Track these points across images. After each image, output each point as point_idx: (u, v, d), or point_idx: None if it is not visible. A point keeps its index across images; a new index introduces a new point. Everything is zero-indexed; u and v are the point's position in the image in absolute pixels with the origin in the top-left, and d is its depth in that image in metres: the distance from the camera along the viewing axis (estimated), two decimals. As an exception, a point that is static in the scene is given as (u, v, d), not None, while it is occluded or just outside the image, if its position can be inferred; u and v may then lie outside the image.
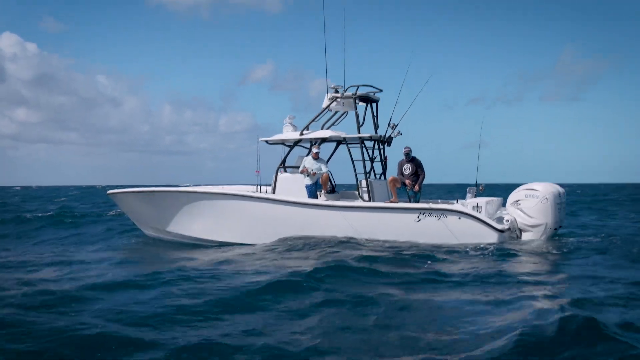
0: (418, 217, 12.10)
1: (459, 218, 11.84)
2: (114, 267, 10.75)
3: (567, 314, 5.95)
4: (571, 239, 12.34)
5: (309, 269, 9.16)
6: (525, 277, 8.73)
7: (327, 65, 13.96)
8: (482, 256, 10.72)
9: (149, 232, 15.67)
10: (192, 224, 14.31)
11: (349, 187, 14.92)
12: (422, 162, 13.11)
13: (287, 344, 5.50)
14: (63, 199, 44.66)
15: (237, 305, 7.03)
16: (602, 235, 13.43)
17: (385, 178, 14.51)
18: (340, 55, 14.40)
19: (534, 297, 7.26)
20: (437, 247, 11.54)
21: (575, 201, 34.10)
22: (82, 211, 26.46)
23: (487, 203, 12.25)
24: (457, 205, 12.10)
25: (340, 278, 8.76)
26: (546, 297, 7.32)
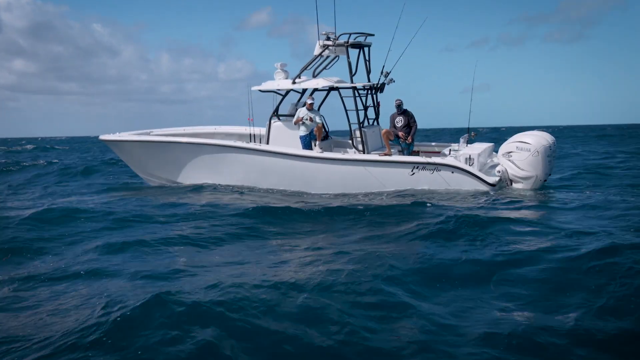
0: (412, 170, 12.34)
1: (452, 172, 12.10)
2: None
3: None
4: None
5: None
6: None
7: (317, 12, 13.55)
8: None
9: (145, 177, 15.88)
10: (188, 173, 14.52)
11: (343, 133, 14.99)
12: (413, 113, 13.17)
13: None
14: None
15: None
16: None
17: (378, 124, 14.59)
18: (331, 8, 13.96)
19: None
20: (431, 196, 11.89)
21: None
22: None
23: (479, 154, 12.46)
24: (449, 159, 12.31)
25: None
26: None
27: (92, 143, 57.25)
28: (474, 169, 12.08)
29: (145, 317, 5.15)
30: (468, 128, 13.90)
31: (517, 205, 10.69)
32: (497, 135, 33.71)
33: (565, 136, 45.65)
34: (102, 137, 15.99)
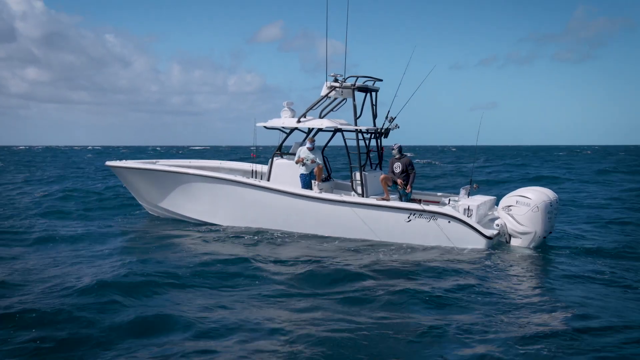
0: (409, 217, 12.13)
1: (449, 222, 11.86)
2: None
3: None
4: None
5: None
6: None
7: (327, 53, 13.66)
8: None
9: (146, 206, 15.94)
10: (188, 204, 14.53)
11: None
12: (412, 160, 13.09)
13: None
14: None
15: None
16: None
17: (381, 169, 14.49)
18: (343, 27, 14.09)
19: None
20: (425, 249, 11.71)
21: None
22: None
23: (478, 206, 12.22)
24: (447, 209, 12.08)
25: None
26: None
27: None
28: (471, 220, 11.83)
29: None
30: (470, 180, 13.71)
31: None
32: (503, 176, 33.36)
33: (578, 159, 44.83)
34: (108, 163, 16.16)
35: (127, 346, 6.30)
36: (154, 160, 16.67)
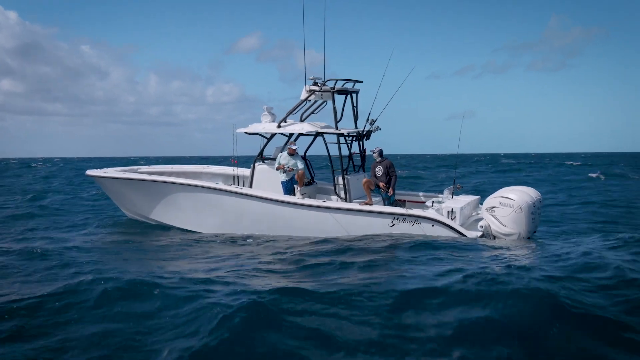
0: (392, 222, 12.03)
1: (433, 225, 11.77)
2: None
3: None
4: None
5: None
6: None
7: (305, 60, 13.44)
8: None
9: (129, 214, 15.74)
10: (172, 213, 14.34)
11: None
12: (393, 162, 12.94)
13: None
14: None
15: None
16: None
17: (364, 171, 14.36)
18: (321, 37, 13.86)
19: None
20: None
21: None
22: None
23: (462, 208, 12.14)
24: (430, 212, 11.99)
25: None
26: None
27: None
28: (454, 223, 11.74)
29: None
30: (454, 180, 13.62)
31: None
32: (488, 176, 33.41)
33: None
34: (89, 172, 15.93)
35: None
36: (135, 168, 16.48)
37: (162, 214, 14.55)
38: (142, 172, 15.81)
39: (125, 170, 15.68)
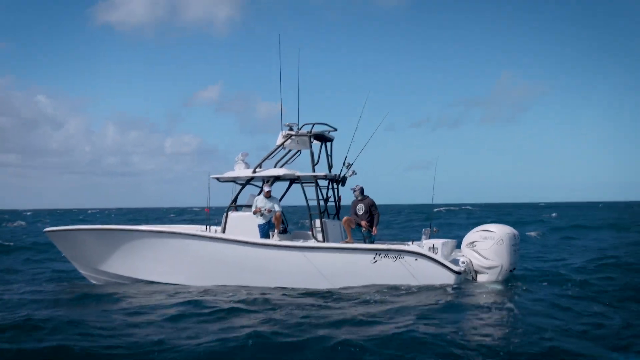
0: (374, 258, 11.81)
1: (416, 259, 11.62)
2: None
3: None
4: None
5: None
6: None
7: (282, 103, 13.69)
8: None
9: (87, 273, 14.71)
10: (139, 265, 13.55)
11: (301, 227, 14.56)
12: (374, 200, 12.90)
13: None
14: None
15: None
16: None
17: (339, 218, 14.24)
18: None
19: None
20: (394, 289, 11.32)
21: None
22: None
23: (442, 244, 12.11)
24: (413, 246, 11.89)
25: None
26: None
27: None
28: (438, 256, 11.64)
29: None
30: (430, 223, 13.67)
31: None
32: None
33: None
34: (47, 230, 15.08)
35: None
36: (90, 226, 15.69)
37: (133, 268, 13.70)
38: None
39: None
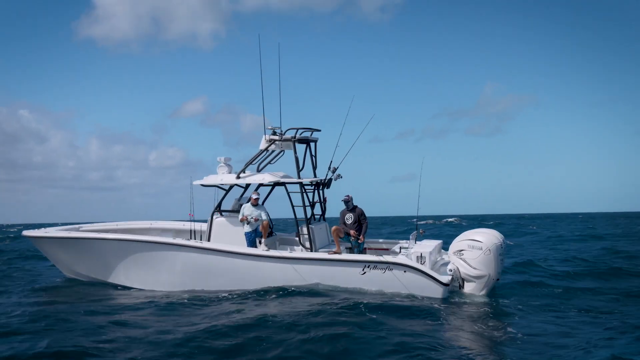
0: (363, 269, 11.84)
1: (404, 272, 11.68)
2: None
3: None
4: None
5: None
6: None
7: (264, 108, 13.29)
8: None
9: (70, 275, 14.59)
10: (122, 272, 13.42)
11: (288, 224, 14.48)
12: (363, 210, 12.84)
13: None
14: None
15: None
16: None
17: (325, 220, 14.19)
18: (274, 94, 13.77)
19: None
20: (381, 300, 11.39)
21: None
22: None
23: (430, 252, 12.16)
24: (402, 258, 11.93)
25: None
26: None
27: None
28: (426, 268, 11.72)
29: None
30: (417, 225, 13.73)
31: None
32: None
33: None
34: (26, 232, 14.74)
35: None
36: (77, 226, 15.43)
37: (112, 275, 13.59)
38: (85, 231, 14.80)
39: (67, 229, 14.66)
